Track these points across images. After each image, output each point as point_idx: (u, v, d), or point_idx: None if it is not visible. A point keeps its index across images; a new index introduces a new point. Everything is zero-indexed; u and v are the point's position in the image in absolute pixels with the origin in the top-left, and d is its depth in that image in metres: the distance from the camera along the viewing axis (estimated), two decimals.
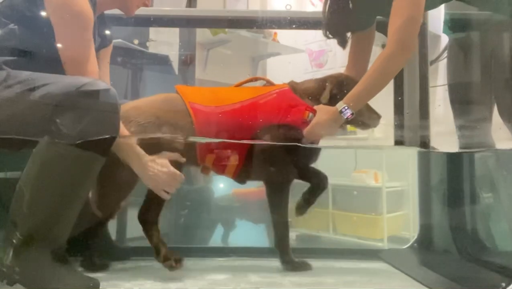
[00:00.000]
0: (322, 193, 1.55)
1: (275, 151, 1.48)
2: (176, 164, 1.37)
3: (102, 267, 1.53)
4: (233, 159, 1.48)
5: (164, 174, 1.33)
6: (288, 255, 1.55)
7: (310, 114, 1.44)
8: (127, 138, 1.31)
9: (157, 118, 1.41)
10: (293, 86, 1.53)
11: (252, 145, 1.47)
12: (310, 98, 1.50)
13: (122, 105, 1.44)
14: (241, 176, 1.54)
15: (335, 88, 1.50)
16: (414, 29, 1.38)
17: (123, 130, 1.29)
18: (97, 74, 1.26)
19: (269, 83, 1.57)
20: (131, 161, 1.32)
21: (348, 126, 1.62)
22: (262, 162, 1.51)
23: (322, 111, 1.44)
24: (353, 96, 1.41)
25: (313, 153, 1.55)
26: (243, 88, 1.56)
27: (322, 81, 1.53)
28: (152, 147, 1.37)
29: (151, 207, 1.49)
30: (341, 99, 1.42)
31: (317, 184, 1.54)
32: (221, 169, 1.51)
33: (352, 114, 1.40)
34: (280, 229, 1.55)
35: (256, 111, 1.45)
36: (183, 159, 1.40)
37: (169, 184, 1.34)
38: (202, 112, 1.43)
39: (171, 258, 1.42)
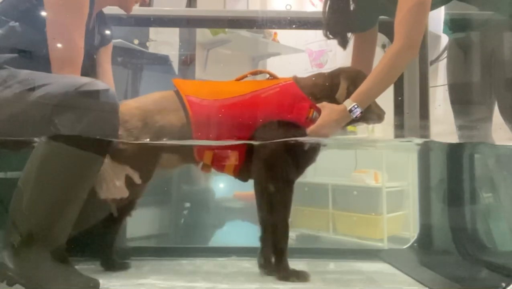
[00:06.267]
0: None
1: (275, 149, 1.39)
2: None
3: (122, 267, 1.51)
4: (233, 156, 1.41)
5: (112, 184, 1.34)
6: (284, 262, 1.40)
7: (314, 112, 1.36)
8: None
9: (146, 124, 1.34)
10: (297, 80, 1.43)
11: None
12: (317, 94, 1.40)
13: None
14: (242, 173, 1.46)
15: (351, 85, 1.39)
16: (421, 19, 1.32)
17: None
18: (77, 64, 1.24)
19: (272, 77, 1.49)
20: None
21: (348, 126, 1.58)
22: (261, 159, 1.42)
23: (329, 109, 1.35)
24: (361, 93, 1.33)
25: (312, 154, 1.47)
26: (244, 82, 1.48)
27: (331, 77, 1.44)
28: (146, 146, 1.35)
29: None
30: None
31: None
32: (220, 166, 1.44)
33: (361, 112, 1.33)
34: (280, 232, 1.41)
35: (256, 105, 1.36)
36: (139, 181, 1.37)
37: (112, 193, 1.35)
38: (199, 105, 1.35)
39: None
